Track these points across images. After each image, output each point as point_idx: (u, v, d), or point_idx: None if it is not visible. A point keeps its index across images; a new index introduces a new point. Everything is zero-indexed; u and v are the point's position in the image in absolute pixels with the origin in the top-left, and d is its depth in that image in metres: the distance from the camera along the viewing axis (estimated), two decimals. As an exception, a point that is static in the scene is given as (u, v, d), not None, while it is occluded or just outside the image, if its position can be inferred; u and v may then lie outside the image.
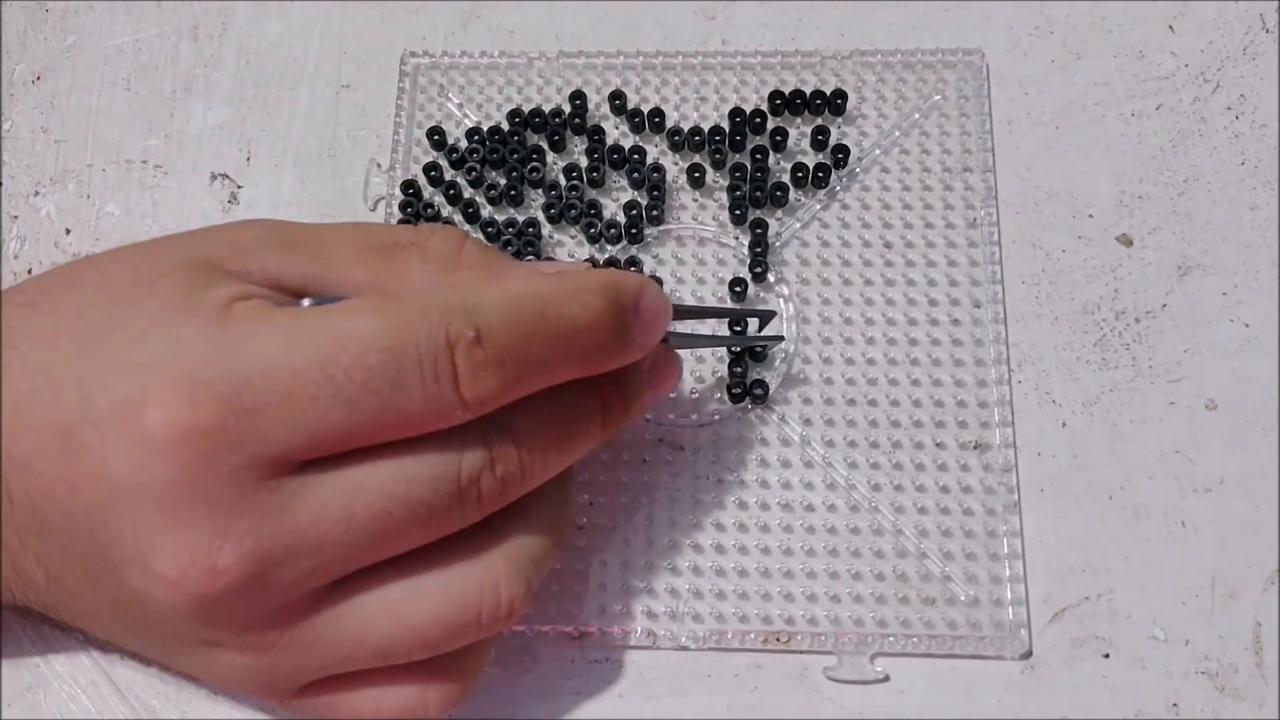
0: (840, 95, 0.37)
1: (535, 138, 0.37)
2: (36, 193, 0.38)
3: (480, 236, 0.36)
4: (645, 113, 0.37)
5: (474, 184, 0.37)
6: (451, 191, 0.36)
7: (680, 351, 0.31)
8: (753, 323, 0.33)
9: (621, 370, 0.28)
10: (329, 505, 0.23)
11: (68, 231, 0.38)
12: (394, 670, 0.26)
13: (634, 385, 0.28)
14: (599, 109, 0.38)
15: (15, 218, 0.38)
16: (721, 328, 0.34)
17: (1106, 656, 0.30)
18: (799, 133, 0.37)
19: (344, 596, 0.25)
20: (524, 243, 0.36)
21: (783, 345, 0.34)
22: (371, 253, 0.26)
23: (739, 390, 0.33)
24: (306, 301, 0.25)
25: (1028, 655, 0.30)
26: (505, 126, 0.37)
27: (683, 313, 0.31)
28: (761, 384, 0.33)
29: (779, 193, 0.36)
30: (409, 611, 0.25)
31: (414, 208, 0.36)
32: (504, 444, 0.25)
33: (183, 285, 0.24)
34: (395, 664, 0.26)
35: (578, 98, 0.37)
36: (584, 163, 0.37)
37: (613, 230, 0.36)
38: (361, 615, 0.25)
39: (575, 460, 0.28)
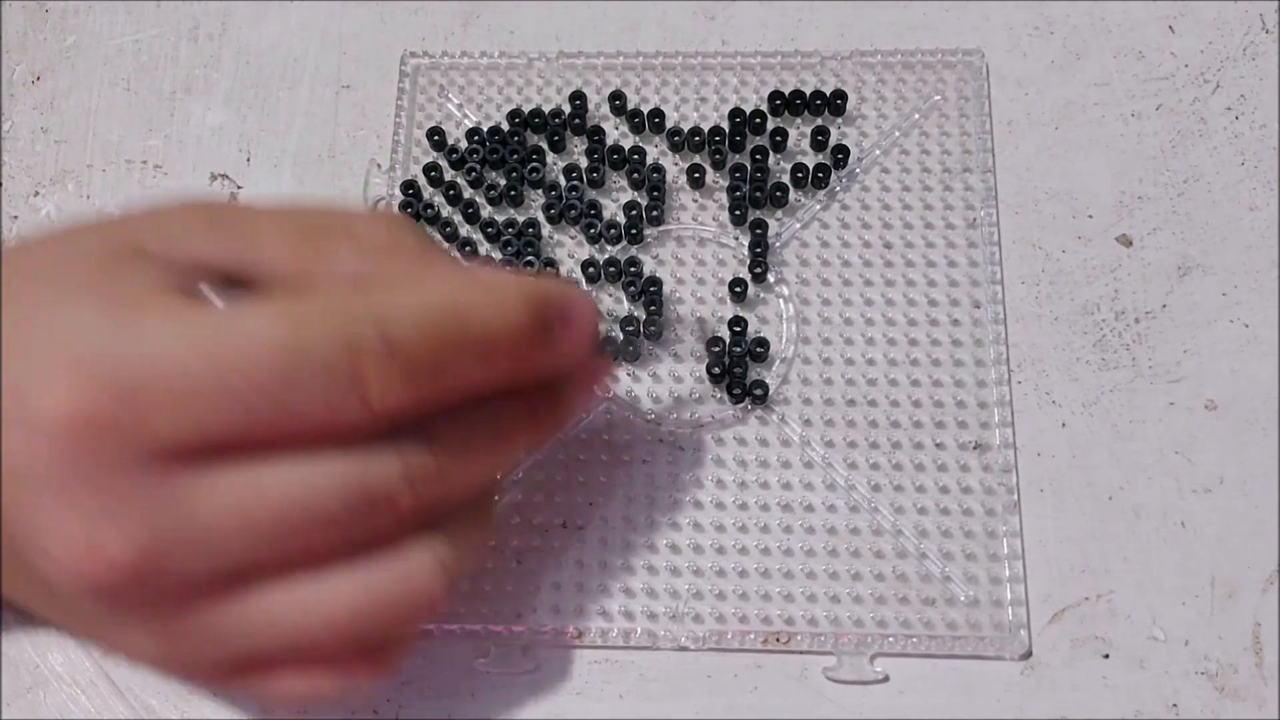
0: (840, 96, 0.37)
1: (535, 138, 0.37)
2: (36, 193, 0.38)
3: (480, 237, 0.36)
4: (645, 113, 0.37)
5: (474, 184, 0.37)
6: (451, 192, 0.36)
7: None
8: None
9: (550, 376, 0.27)
10: (225, 503, 0.23)
11: (68, 232, 0.38)
12: (312, 657, 0.25)
13: (565, 390, 0.28)
14: (599, 109, 0.38)
15: (15, 218, 0.38)
16: (715, 331, 0.34)
17: (1106, 657, 0.30)
18: (799, 133, 0.37)
19: (251, 587, 0.24)
20: (524, 243, 0.36)
21: (782, 346, 0.34)
22: (300, 235, 0.25)
23: (739, 390, 0.33)
24: (211, 295, 0.24)
25: (1027, 655, 0.31)
26: (505, 127, 0.37)
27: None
28: (761, 384, 0.33)
29: (779, 193, 0.36)
30: (320, 604, 0.24)
31: (414, 208, 0.36)
32: (422, 455, 0.24)
33: (98, 273, 0.24)
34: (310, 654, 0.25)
35: (577, 98, 0.37)
36: (584, 163, 0.37)
37: (613, 231, 0.36)
38: (269, 606, 0.24)
39: (504, 468, 0.27)
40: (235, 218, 0.26)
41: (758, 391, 0.33)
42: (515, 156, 0.37)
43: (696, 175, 0.36)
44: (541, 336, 0.26)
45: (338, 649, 0.25)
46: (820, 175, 0.36)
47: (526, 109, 0.37)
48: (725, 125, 0.37)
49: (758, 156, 0.36)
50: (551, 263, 0.35)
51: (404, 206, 0.36)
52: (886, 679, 0.30)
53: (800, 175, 0.36)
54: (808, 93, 0.37)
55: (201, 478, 0.23)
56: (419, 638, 0.28)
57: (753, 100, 0.38)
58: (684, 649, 0.31)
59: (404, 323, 0.23)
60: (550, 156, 0.37)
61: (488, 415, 0.26)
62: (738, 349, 0.34)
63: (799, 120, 0.37)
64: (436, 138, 0.37)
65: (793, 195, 0.36)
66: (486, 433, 0.26)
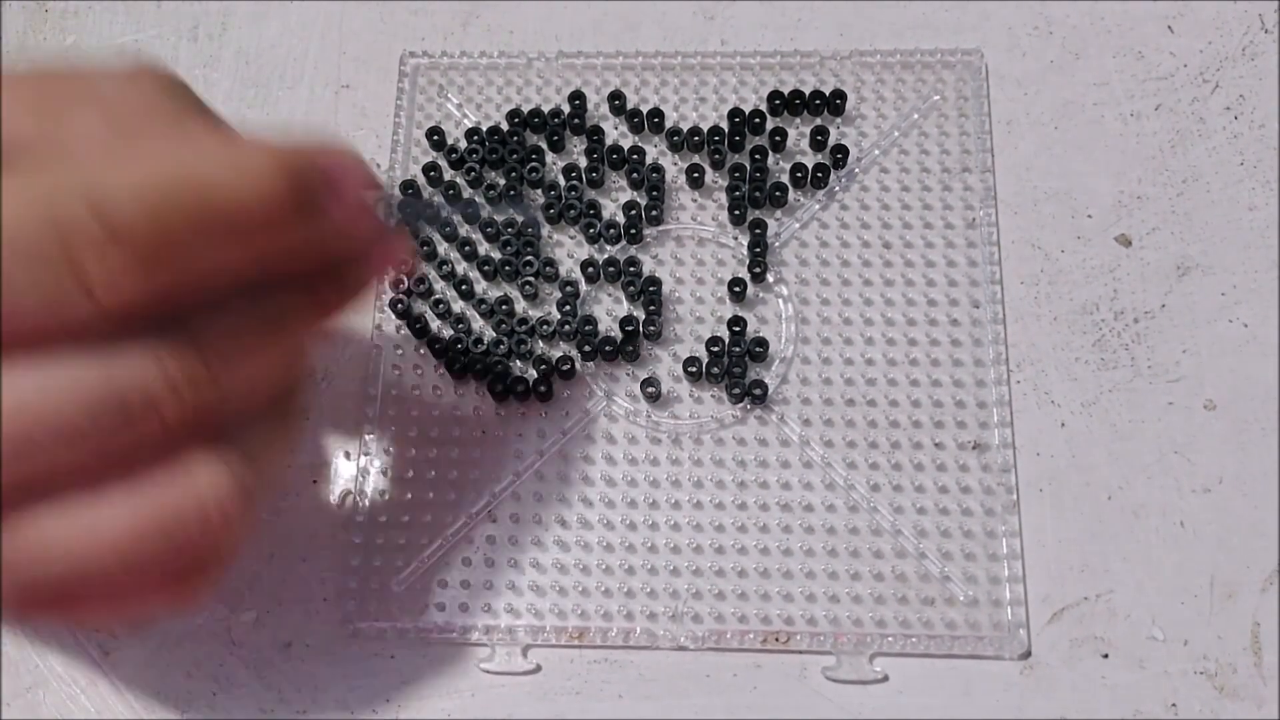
0: (839, 95, 0.37)
1: (534, 138, 0.37)
2: (36, 193, 0.38)
3: (479, 237, 0.36)
4: (644, 113, 0.37)
5: (473, 184, 0.37)
6: (451, 191, 0.36)
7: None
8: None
9: (335, 253, 0.24)
10: None
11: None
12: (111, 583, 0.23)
13: (350, 267, 0.25)
14: (598, 109, 0.38)
15: (15, 218, 0.38)
16: (714, 331, 0.34)
17: (1105, 656, 0.30)
18: (798, 133, 0.37)
19: (17, 512, 0.22)
20: (523, 243, 0.36)
21: (781, 346, 0.34)
22: (41, 102, 0.22)
23: (738, 390, 0.33)
24: None
25: (1026, 655, 0.31)
26: (504, 127, 0.37)
27: (412, 209, 0.28)
28: (760, 384, 0.33)
29: (778, 193, 0.36)
30: (97, 526, 0.22)
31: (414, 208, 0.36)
32: (181, 353, 0.21)
33: None
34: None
35: (577, 98, 0.37)
36: (583, 163, 0.37)
37: (612, 230, 0.36)
38: (41, 532, 0.22)
39: (290, 362, 0.24)
40: (8, 76, 0.23)
41: (757, 391, 0.33)
42: (514, 156, 0.37)
43: (696, 175, 0.36)
44: (302, 206, 0.23)
45: (134, 573, 0.23)
46: (819, 175, 0.36)
47: (526, 109, 0.37)
48: (724, 125, 0.37)
49: (757, 156, 0.36)
50: (551, 262, 0.35)
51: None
52: (886, 679, 0.31)
53: (799, 175, 0.36)
54: (807, 92, 0.37)
55: None
56: (232, 554, 0.25)
57: (752, 100, 0.38)
58: (683, 649, 0.31)
59: (126, 199, 0.20)
60: (549, 156, 0.37)
61: (258, 303, 0.23)
62: (737, 349, 0.34)
63: (798, 120, 0.37)
64: (436, 137, 0.37)
65: (792, 195, 0.36)
66: (259, 322, 0.23)
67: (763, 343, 0.34)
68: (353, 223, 0.24)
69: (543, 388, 0.34)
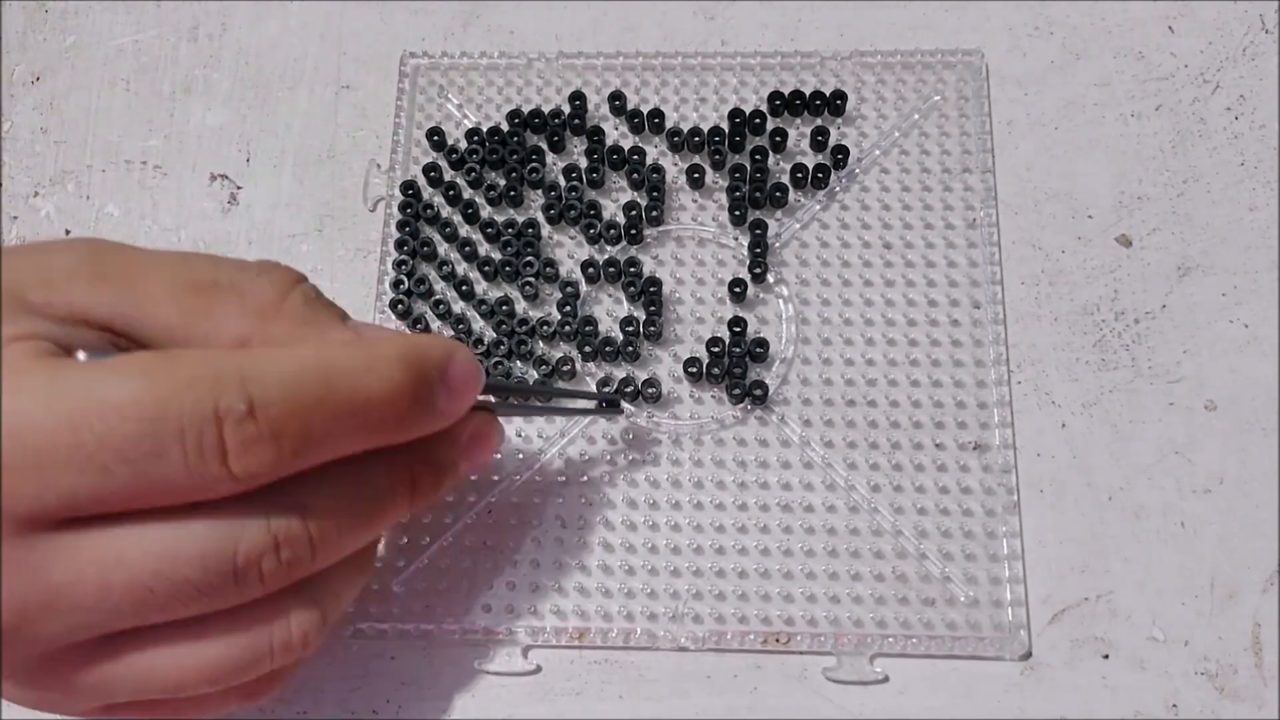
0: (840, 96, 0.37)
1: (535, 138, 0.37)
2: (36, 193, 0.38)
3: (479, 236, 0.36)
4: (645, 113, 0.37)
5: (473, 184, 0.37)
6: (451, 192, 0.36)
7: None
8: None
9: (432, 438, 0.26)
10: (85, 570, 0.23)
11: (67, 232, 0.38)
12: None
13: (447, 455, 0.27)
14: (598, 110, 0.38)
15: (15, 218, 0.38)
16: (715, 331, 0.34)
17: (1106, 657, 0.30)
18: (798, 133, 0.37)
19: (122, 649, 0.24)
20: (523, 243, 0.36)
21: (781, 347, 0.34)
22: (187, 291, 0.25)
23: (739, 391, 0.33)
24: (82, 355, 0.23)
25: (1027, 656, 0.31)
26: (505, 127, 0.37)
27: (501, 389, 0.31)
28: (761, 385, 0.33)
29: (778, 193, 0.36)
30: (194, 655, 0.24)
31: (413, 208, 0.36)
32: (291, 520, 0.24)
33: None
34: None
35: (577, 98, 0.37)
36: (583, 163, 0.37)
37: (612, 231, 0.36)
38: (142, 663, 0.24)
39: (379, 532, 0.27)
40: (122, 266, 0.25)
41: (757, 392, 0.33)
42: (515, 157, 0.37)
43: (696, 175, 0.36)
44: (420, 396, 0.25)
45: (221, 691, 0.26)
46: (820, 175, 0.36)
47: (526, 109, 0.37)
48: (725, 125, 0.37)
49: (757, 157, 0.36)
50: (551, 262, 0.35)
51: (403, 207, 0.36)
52: (886, 679, 0.30)
53: (800, 175, 0.36)
54: (807, 93, 0.37)
55: (62, 542, 0.22)
56: (301, 665, 0.28)
57: (752, 100, 0.38)
58: (684, 649, 0.31)
59: (271, 384, 0.23)
60: (550, 157, 0.37)
61: (362, 480, 0.25)
62: (737, 349, 0.34)
63: (799, 120, 0.37)
64: (436, 138, 0.37)
65: (792, 195, 0.36)
66: (359, 498, 0.25)
67: (763, 343, 0.34)
68: (457, 413, 0.26)
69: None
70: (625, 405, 0.33)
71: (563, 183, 0.36)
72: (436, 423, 0.26)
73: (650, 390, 0.33)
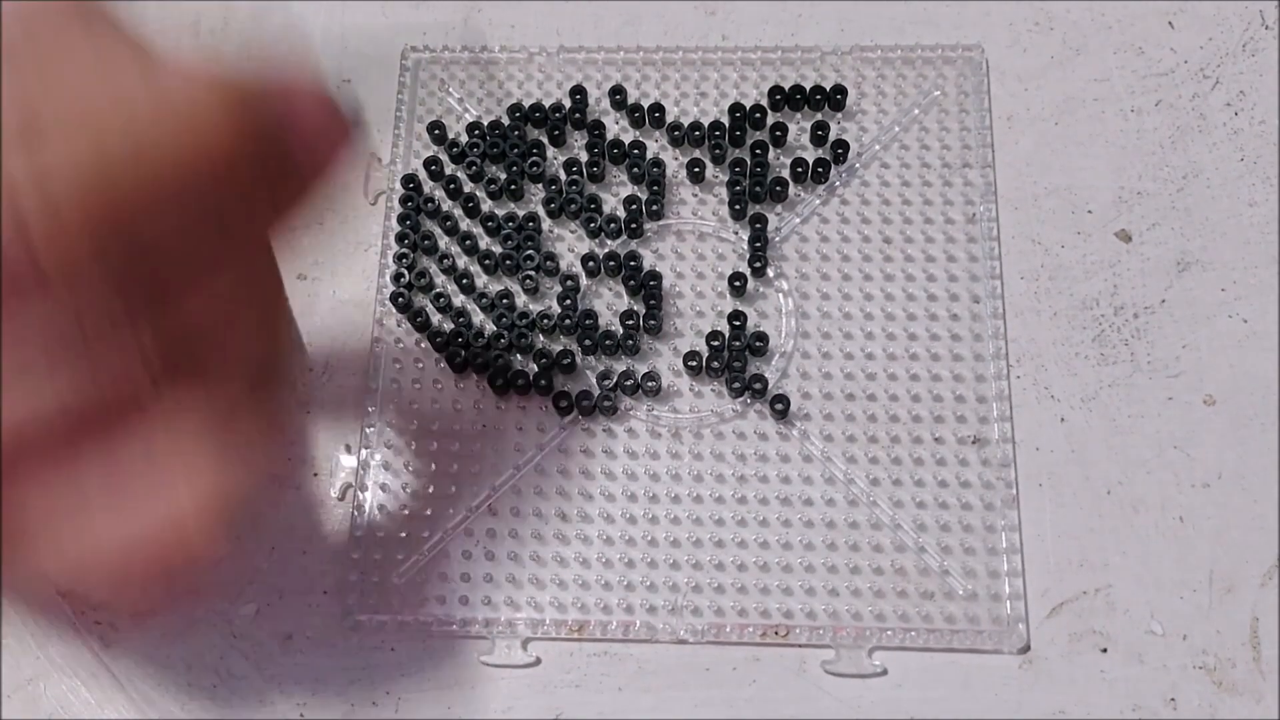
0: (840, 91, 0.37)
1: (535, 132, 0.37)
2: (37, 187, 0.38)
3: (480, 230, 0.36)
4: (645, 108, 0.37)
5: (474, 178, 0.37)
6: (452, 186, 0.36)
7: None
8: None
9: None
10: None
11: (69, 225, 0.38)
12: None
13: (298, 169, 0.23)
14: (599, 104, 0.38)
15: (16, 211, 0.38)
16: (714, 325, 0.34)
17: (1104, 651, 0.30)
18: (799, 128, 0.37)
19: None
20: (524, 237, 0.36)
21: (781, 341, 0.34)
22: None
23: (738, 385, 0.33)
24: None
25: (1025, 650, 0.31)
26: (505, 121, 0.37)
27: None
28: (760, 379, 0.33)
29: (779, 188, 0.36)
30: (91, 549, 0.21)
31: (414, 202, 0.36)
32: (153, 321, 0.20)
33: None
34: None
35: (578, 93, 0.37)
36: (584, 157, 0.37)
37: (612, 225, 0.36)
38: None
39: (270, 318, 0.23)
40: None
41: (757, 386, 0.33)
42: (515, 151, 0.37)
43: (696, 170, 0.36)
44: (261, 152, 0.21)
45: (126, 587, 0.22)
46: (820, 170, 0.36)
47: (527, 103, 0.37)
48: (725, 120, 0.37)
49: (758, 151, 0.36)
50: (552, 256, 0.35)
51: (404, 200, 0.36)
52: (885, 672, 0.31)
53: (800, 170, 0.36)
54: (808, 88, 0.37)
55: None
56: (217, 552, 0.24)
57: (753, 95, 0.38)
58: (683, 642, 0.31)
59: (67, 186, 0.19)
60: (550, 151, 0.37)
61: (209, 215, 0.21)
62: (737, 343, 0.34)
63: (799, 115, 0.37)
64: (437, 132, 0.37)
65: (792, 190, 0.36)
66: (213, 230, 0.21)
67: (763, 337, 0.34)
68: (325, 168, 0.22)
69: (543, 381, 0.34)
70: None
71: (563, 177, 0.37)
72: (289, 165, 0.21)
73: (650, 384, 0.33)
